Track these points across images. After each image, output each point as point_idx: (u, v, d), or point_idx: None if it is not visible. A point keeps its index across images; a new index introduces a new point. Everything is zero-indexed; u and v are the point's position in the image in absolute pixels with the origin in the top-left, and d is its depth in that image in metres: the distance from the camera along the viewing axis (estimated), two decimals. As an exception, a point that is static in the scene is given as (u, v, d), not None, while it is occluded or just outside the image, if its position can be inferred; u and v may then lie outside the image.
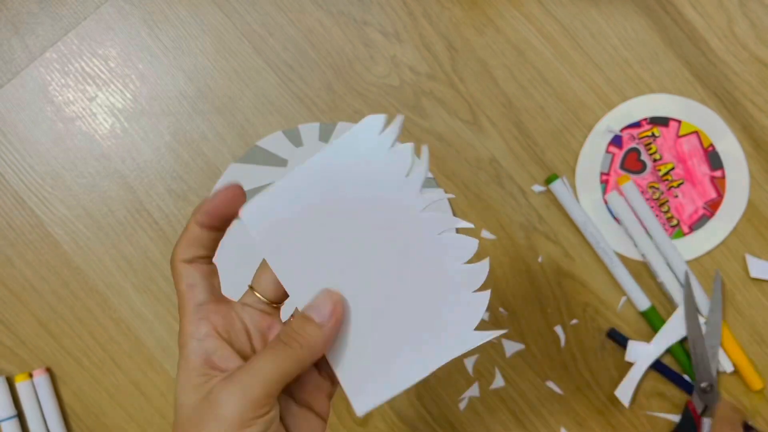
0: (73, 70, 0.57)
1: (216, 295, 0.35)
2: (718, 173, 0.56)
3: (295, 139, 0.56)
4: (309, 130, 0.57)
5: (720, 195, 0.56)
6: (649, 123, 0.57)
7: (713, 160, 0.56)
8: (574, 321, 0.55)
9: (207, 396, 0.33)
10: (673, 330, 0.54)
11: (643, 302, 0.55)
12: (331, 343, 0.34)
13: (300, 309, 0.34)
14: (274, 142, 0.56)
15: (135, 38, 0.58)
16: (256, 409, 0.32)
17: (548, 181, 0.56)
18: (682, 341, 0.55)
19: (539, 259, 0.56)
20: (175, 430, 0.34)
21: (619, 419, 0.55)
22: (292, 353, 0.33)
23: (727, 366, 0.55)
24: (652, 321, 0.55)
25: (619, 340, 0.55)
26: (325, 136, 0.57)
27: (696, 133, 0.56)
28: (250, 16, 0.58)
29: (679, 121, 0.57)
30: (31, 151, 0.57)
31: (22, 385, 0.55)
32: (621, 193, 0.56)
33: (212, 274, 0.35)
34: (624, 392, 0.55)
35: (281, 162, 0.56)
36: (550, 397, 0.55)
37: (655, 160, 0.56)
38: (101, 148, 0.57)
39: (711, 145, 0.56)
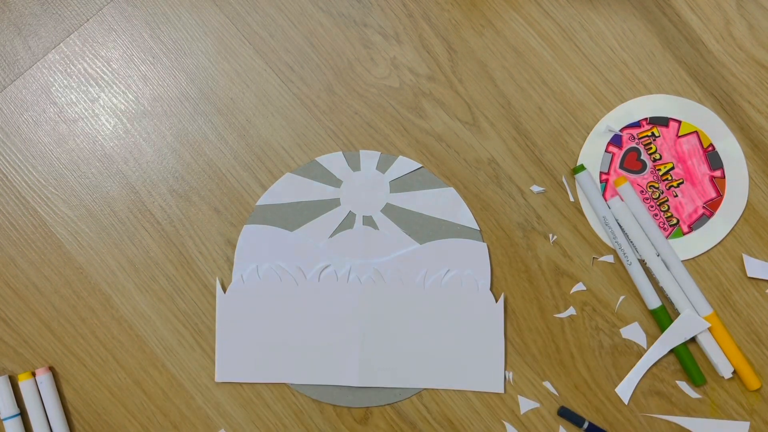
0: (76, 71, 0.58)
1: None
2: (717, 173, 0.56)
3: (354, 163, 0.57)
4: (369, 157, 0.57)
5: (720, 194, 0.56)
6: (649, 123, 0.57)
7: (713, 159, 0.56)
8: (571, 310, 0.56)
9: None
10: (678, 331, 0.55)
11: (653, 301, 0.55)
12: None
13: None
14: (333, 161, 0.57)
15: (137, 40, 0.58)
16: None
17: (575, 171, 0.56)
18: (687, 342, 0.55)
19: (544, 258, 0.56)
20: None
21: (617, 417, 0.55)
22: None
23: (725, 372, 0.55)
24: (661, 320, 0.55)
25: (573, 420, 0.55)
26: (383, 166, 0.57)
27: (696, 133, 0.57)
28: (251, 17, 0.58)
29: (679, 122, 0.57)
30: (33, 152, 0.57)
31: (24, 384, 0.55)
32: (617, 194, 0.56)
33: None
34: (625, 390, 0.55)
35: (336, 182, 0.57)
36: (548, 395, 0.56)
37: (654, 160, 0.56)
38: (104, 149, 0.57)
39: (711, 145, 0.56)
